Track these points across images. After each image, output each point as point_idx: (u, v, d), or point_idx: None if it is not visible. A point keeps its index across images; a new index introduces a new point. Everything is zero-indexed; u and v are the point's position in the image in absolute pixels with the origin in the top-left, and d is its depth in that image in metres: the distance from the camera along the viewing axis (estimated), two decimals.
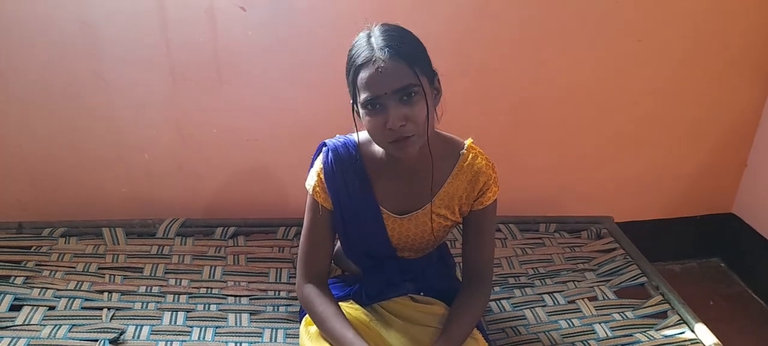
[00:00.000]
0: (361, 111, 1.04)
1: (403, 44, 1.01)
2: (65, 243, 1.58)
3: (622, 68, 1.82)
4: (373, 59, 0.99)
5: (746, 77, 1.93)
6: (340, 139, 1.18)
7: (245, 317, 1.42)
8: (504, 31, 1.68)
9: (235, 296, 1.49)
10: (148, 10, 1.49)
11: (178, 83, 1.59)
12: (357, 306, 1.24)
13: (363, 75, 1.00)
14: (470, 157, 1.17)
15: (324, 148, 1.17)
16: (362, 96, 1.01)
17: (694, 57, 1.85)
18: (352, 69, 1.03)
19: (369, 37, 1.03)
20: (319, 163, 1.17)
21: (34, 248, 1.55)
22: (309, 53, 1.60)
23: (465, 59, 1.69)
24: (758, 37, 1.86)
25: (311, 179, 1.18)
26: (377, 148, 1.14)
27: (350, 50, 1.05)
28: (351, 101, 1.08)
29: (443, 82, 1.11)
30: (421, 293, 1.28)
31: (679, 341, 1.40)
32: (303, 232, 1.20)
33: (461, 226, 1.25)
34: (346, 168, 1.15)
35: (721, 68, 1.89)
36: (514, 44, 1.71)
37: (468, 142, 1.19)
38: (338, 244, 1.34)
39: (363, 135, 1.16)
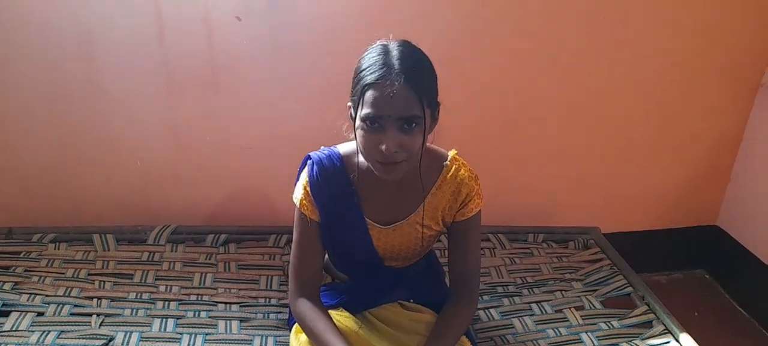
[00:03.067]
0: (358, 122, 1.03)
1: (418, 73, 1.00)
2: (55, 249, 1.57)
3: (610, 84, 1.85)
4: (387, 79, 0.97)
5: (730, 92, 1.97)
6: (325, 152, 1.18)
7: (235, 324, 1.42)
8: (497, 47, 1.71)
9: (226, 303, 1.49)
10: (144, 18, 1.50)
11: (173, 91, 1.60)
12: (347, 314, 1.25)
13: (372, 91, 0.98)
14: (453, 169, 1.18)
15: (309, 162, 1.18)
16: (365, 110, 1.00)
17: (679, 72, 1.89)
18: (362, 81, 1.00)
19: (387, 53, 1.01)
20: (304, 176, 1.18)
21: (23, 253, 1.54)
22: (304, 63, 1.62)
23: (458, 73, 1.71)
24: (742, 53, 1.91)
25: (298, 193, 1.18)
26: (361, 159, 1.14)
27: (363, 58, 1.03)
28: (349, 105, 1.07)
29: None
30: (411, 300, 1.29)
31: None
32: (293, 245, 1.21)
33: (446, 236, 1.26)
34: (332, 180, 1.15)
35: (706, 83, 1.93)
36: (506, 59, 1.74)
37: (451, 153, 1.20)
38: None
39: (346, 147, 1.17)
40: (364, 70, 1.01)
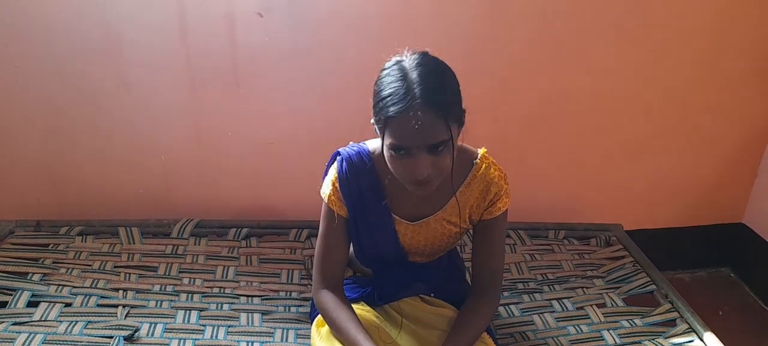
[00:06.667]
0: (386, 149, 1.03)
1: (440, 94, 0.98)
2: (82, 242, 1.61)
3: (634, 77, 1.83)
4: (410, 111, 0.95)
5: (757, 88, 1.93)
6: (354, 148, 1.19)
7: (257, 316, 1.44)
8: (517, 40, 1.70)
9: (248, 296, 1.51)
10: (168, 15, 1.52)
11: (196, 87, 1.62)
12: (368, 308, 1.26)
13: (396, 122, 0.97)
14: (483, 167, 1.18)
15: (338, 157, 1.19)
16: (391, 140, 1.00)
17: (705, 67, 1.86)
18: (384, 110, 0.98)
19: (405, 76, 0.98)
20: (333, 172, 1.18)
21: (51, 245, 1.58)
22: (326, 59, 1.62)
23: (479, 67, 1.70)
24: None
25: (326, 188, 1.19)
26: None
27: (381, 82, 1.01)
28: (372, 121, 1.06)
29: None
30: (432, 295, 1.29)
31: None
32: (318, 239, 1.22)
33: (471, 233, 1.26)
34: (360, 176, 1.16)
35: (733, 79, 1.89)
36: (527, 53, 1.73)
37: (481, 152, 1.20)
38: (351, 248, 1.36)
39: (375, 143, 1.18)
40: (385, 98, 0.98)
